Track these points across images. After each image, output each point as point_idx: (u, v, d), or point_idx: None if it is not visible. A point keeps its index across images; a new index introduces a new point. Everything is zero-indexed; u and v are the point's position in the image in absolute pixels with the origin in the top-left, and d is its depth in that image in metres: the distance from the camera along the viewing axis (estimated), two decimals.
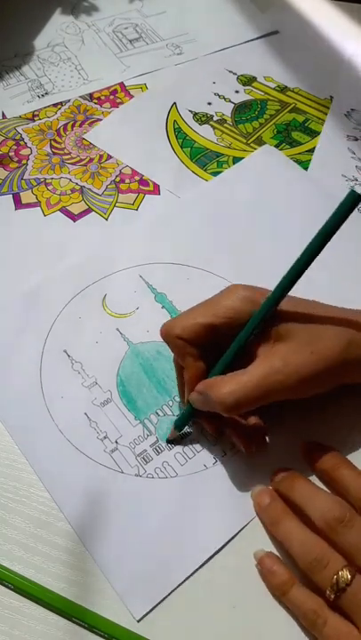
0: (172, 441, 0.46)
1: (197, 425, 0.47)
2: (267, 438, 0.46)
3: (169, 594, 0.40)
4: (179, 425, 0.46)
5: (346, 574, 0.36)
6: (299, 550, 0.38)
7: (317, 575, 0.37)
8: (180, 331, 0.43)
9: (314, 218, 0.58)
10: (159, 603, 0.40)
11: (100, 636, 0.39)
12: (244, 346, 0.42)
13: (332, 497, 0.40)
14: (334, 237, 0.38)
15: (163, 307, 0.53)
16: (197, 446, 0.46)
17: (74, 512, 0.43)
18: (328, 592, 0.36)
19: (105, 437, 0.46)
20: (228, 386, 0.40)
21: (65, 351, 0.50)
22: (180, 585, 0.41)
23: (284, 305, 0.41)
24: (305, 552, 0.38)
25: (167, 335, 0.44)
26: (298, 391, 0.41)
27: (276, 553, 0.41)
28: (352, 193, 0.37)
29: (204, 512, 0.43)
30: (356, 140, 0.67)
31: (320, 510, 0.39)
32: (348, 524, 0.38)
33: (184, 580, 0.41)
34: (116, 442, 0.46)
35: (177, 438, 0.46)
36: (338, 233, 0.38)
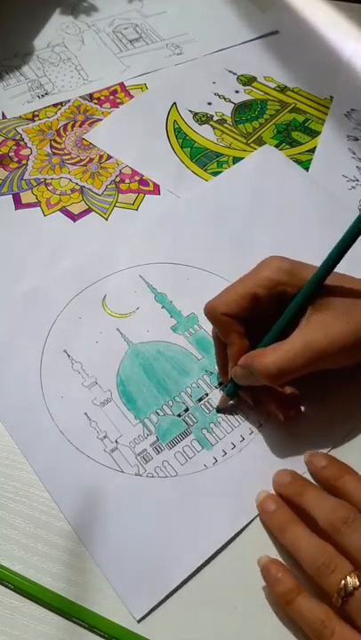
0: (221, 409, 0.47)
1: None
2: (302, 408, 0.47)
3: (169, 594, 0.40)
4: (231, 393, 0.47)
5: (354, 579, 0.36)
6: (306, 555, 0.38)
7: (325, 580, 0.37)
8: (225, 308, 0.44)
9: (314, 217, 0.59)
10: (159, 603, 0.40)
11: (100, 635, 0.39)
12: (293, 317, 0.43)
13: (337, 500, 0.40)
14: None
15: (163, 307, 0.53)
16: (197, 445, 0.46)
17: (74, 512, 0.43)
18: (335, 597, 0.36)
19: (105, 437, 0.46)
20: (272, 356, 0.42)
21: (65, 351, 0.50)
22: (180, 585, 0.40)
23: (333, 277, 0.43)
24: (312, 557, 0.38)
25: (212, 314, 0.45)
26: (338, 360, 0.43)
27: (277, 553, 0.41)
28: None
29: (205, 512, 0.43)
30: (357, 140, 0.67)
31: (325, 512, 0.39)
32: (353, 526, 0.37)
33: (184, 581, 0.41)
34: (116, 441, 0.46)
35: (228, 407, 0.47)
36: None
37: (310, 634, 0.36)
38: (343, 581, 0.36)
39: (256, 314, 0.44)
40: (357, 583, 0.36)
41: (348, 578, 0.36)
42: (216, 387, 0.49)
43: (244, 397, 0.47)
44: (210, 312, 0.45)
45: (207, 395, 0.48)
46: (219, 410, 0.47)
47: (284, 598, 0.38)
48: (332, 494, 0.41)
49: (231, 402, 0.48)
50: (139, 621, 0.39)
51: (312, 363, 0.41)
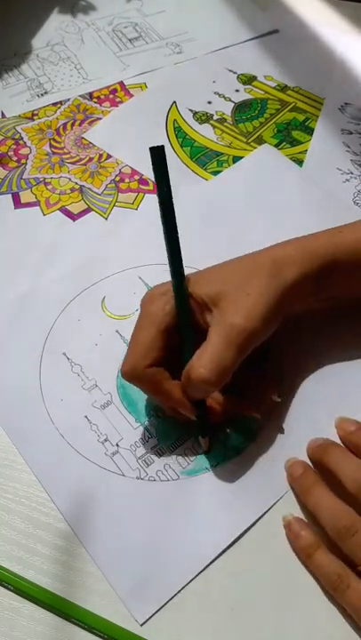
0: (208, 450, 0.46)
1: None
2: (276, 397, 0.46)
3: (171, 597, 0.40)
4: (203, 432, 0.45)
5: None
6: (328, 517, 0.39)
7: (346, 542, 0.38)
8: (145, 360, 0.42)
9: (313, 217, 0.59)
10: (162, 607, 0.40)
11: (100, 637, 0.39)
12: (190, 332, 0.43)
13: (345, 506, 0.40)
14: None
15: None
16: (199, 448, 0.46)
17: (74, 514, 0.43)
18: (358, 560, 0.37)
19: (106, 440, 0.46)
20: (201, 361, 0.41)
21: (64, 353, 0.50)
22: (182, 588, 0.41)
23: (195, 281, 0.44)
24: (334, 519, 0.39)
25: (134, 373, 0.42)
26: (263, 332, 0.42)
27: (279, 556, 0.41)
28: (152, 149, 0.40)
29: (206, 515, 0.43)
30: (351, 133, 0.67)
31: (352, 475, 0.40)
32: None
33: (187, 584, 0.41)
34: (117, 445, 0.46)
35: (211, 444, 0.46)
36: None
37: (327, 586, 0.39)
38: None
39: (170, 343, 0.43)
40: None
41: None
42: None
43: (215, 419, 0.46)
44: (131, 373, 0.42)
45: None
46: (206, 452, 0.46)
47: (305, 552, 0.40)
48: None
49: (207, 438, 0.46)
50: (142, 625, 0.39)
51: (242, 347, 0.41)
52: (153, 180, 0.62)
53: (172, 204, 0.41)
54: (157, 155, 0.40)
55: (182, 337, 0.43)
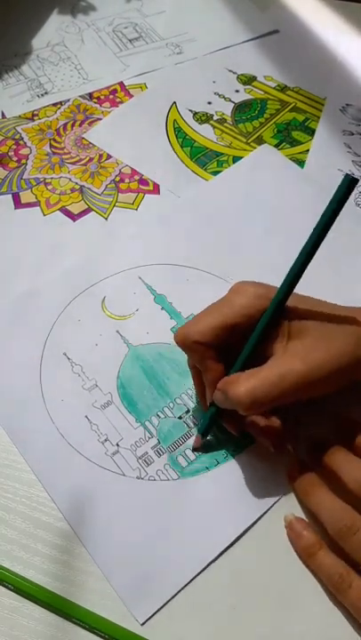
0: (197, 448, 0.46)
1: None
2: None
3: (172, 597, 0.40)
4: (203, 431, 0.45)
5: None
6: (329, 517, 0.39)
7: (347, 541, 0.38)
8: (198, 336, 0.42)
9: (313, 217, 0.59)
10: (162, 606, 0.40)
11: (100, 636, 0.39)
12: (259, 343, 0.42)
13: (344, 505, 0.40)
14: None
15: (162, 308, 0.53)
16: (200, 448, 0.46)
17: (75, 514, 0.43)
18: (360, 558, 0.37)
19: (106, 440, 0.46)
20: (246, 383, 0.40)
21: (65, 354, 0.50)
22: (183, 588, 0.41)
23: (293, 302, 0.42)
24: (335, 519, 0.39)
25: (184, 342, 0.43)
26: (315, 389, 0.41)
27: (279, 556, 0.41)
28: (347, 177, 0.37)
29: (207, 514, 0.43)
30: (352, 134, 0.67)
31: (353, 474, 0.40)
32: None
33: (187, 583, 0.41)
34: (118, 444, 0.46)
35: (202, 446, 0.46)
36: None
37: (329, 585, 0.39)
38: None
39: (232, 339, 0.43)
40: None
41: None
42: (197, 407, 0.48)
43: (228, 427, 0.45)
44: (182, 340, 0.43)
45: None
46: (195, 449, 0.46)
47: (307, 552, 0.40)
48: None
49: (208, 438, 0.46)
50: (142, 624, 0.39)
51: (289, 393, 0.40)
52: (154, 181, 0.62)
53: (328, 230, 0.40)
54: (351, 186, 0.38)
55: (246, 344, 0.42)
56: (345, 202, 0.38)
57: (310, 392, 0.41)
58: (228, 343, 0.43)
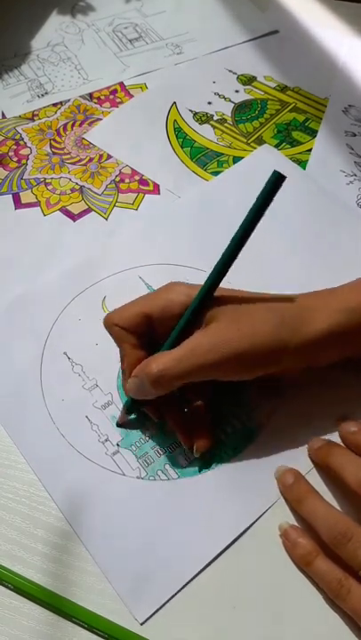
0: (122, 425, 0.47)
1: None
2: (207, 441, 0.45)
3: (172, 596, 0.40)
4: (128, 408, 0.46)
5: None
6: (323, 525, 0.39)
7: (342, 548, 0.38)
8: (117, 319, 0.45)
9: (312, 217, 0.59)
10: (162, 605, 0.40)
11: (100, 636, 0.39)
12: (183, 330, 0.42)
13: (337, 514, 0.40)
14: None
15: None
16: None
17: (75, 514, 0.43)
18: (356, 565, 0.37)
19: (106, 440, 0.46)
20: (157, 361, 0.41)
21: (65, 353, 0.50)
22: (183, 587, 0.41)
23: (218, 294, 0.43)
24: (329, 526, 0.39)
25: (106, 324, 0.46)
26: (225, 369, 0.41)
27: (278, 554, 0.41)
28: (275, 173, 0.39)
29: (208, 513, 0.43)
30: (355, 135, 0.67)
31: (355, 474, 0.40)
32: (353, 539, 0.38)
33: (187, 582, 0.41)
34: (118, 444, 0.46)
35: (127, 422, 0.47)
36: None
37: (329, 592, 0.39)
38: None
39: (154, 331, 0.44)
40: None
41: None
42: None
43: (147, 412, 0.46)
44: (105, 322, 0.46)
45: None
46: (118, 424, 0.47)
47: (304, 560, 0.40)
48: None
49: (132, 416, 0.47)
50: (142, 624, 0.39)
51: (196, 369, 0.40)
52: (154, 181, 0.62)
53: (255, 225, 0.41)
54: (278, 182, 0.39)
55: (171, 334, 0.43)
56: (272, 199, 0.39)
57: (220, 373, 0.42)
58: (150, 337, 0.44)
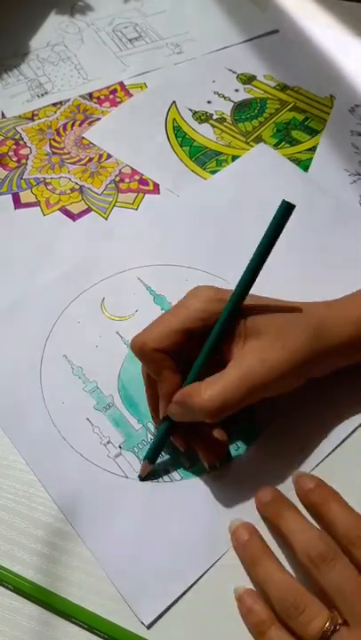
0: (145, 477, 0.45)
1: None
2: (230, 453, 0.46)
3: (177, 599, 0.40)
4: (151, 456, 0.44)
5: (322, 622, 0.35)
6: (276, 594, 0.38)
7: (293, 621, 0.36)
8: (156, 343, 0.41)
9: (311, 215, 0.59)
10: (168, 609, 0.40)
11: (101, 637, 0.39)
12: (216, 347, 0.42)
13: (318, 532, 0.39)
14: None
15: (162, 309, 0.53)
16: None
17: (76, 516, 0.43)
18: (307, 637, 0.36)
19: (108, 442, 0.46)
20: (209, 391, 0.40)
21: (65, 356, 0.50)
22: (188, 589, 0.41)
23: (248, 302, 0.42)
24: (281, 597, 0.37)
25: (142, 350, 0.42)
26: (277, 387, 0.42)
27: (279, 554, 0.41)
28: (283, 203, 0.40)
29: (211, 514, 0.43)
30: (360, 135, 0.67)
31: (304, 546, 0.38)
32: (331, 564, 0.37)
33: (192, 584, 0.41)
34: (120, 447, 0.46)
35: (150, 472, 0.45)
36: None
37: None
38: (313, 624, 0.35)
39: (189, 346, 0.42)
40: (327, 626, 0.35)
41: (315, 621, 0.36)
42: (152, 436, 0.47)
43: (175, 443, 0.45)
44: (139, 348, 0.42)
45: None
46: (141, 478, 0.45)
47: (257, 629, 0.38)
48: (317, 519, 0.41)
49: (153, 465, 0.45)
50: (148, 628, 0.39)
51: (252, 393, 0.40)
52: (154, 180, 0.62)
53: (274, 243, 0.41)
54: (287, 211, 0.40)
55: (203, 348, 0.42)
56: (283, 228, 0.40)
57: (271, 391, 0.42)
58: (185, 352, 0.42)
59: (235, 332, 0.42)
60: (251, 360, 0.40)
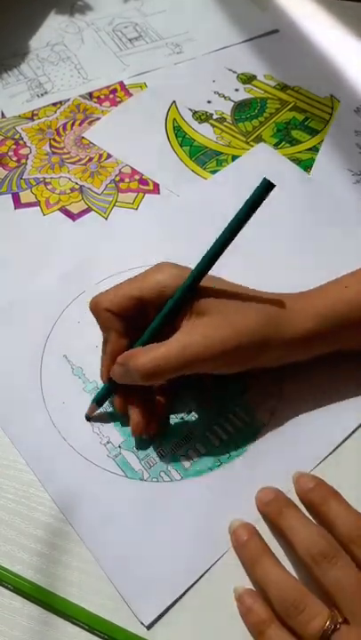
0: (90, 418, 0.47)
1: (200, 427, 0.47)
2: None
3: (177, 599, 0.40)
4: (98, 400, 0.46)
5: (322, 621, 0.35)
6: (275, 593, 0.38)
7: (293, 620, 0.36)
8: (108, 304, 0.44)
9: (310, 214, 0.59)
10: (167, 609, 0.40)
11: (101, 637, 0.39)
12: (167, 318, 0.43)
13: (318, 530, 0.39)
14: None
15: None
16: (202, 448, 0.46)
17: (76, 516, 0.43)
18: (306, 636, 0.36)
19: (108, 442, 0.46)
20: (147, 355, 0.41)
21: (65, 356, 0.50)
22: (188, 589, 0.40)
23: (205, 283, 0.43)
24: (281, 596, 0.37)
25: (94, 308, 0.44)
26: (216, 364, 0.42)
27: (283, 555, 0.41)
28: (265, 181, 0.40)
29: (211, 515, 0.43)
30: None
31: (305, 543, 0.38)
32: (332, 561, 0.37)
33: (192, 584, 0.41)
34: (120, 446, 0.46)
35: (96, 415, 0.47)
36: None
37: None
38: (312, 624, 0.35)
39: (144, 316, 0.44)
40: (327, 625, 0.35)
41: (315, 620, 0.35)
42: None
43: (114, 402, 0.47)
44: (93, 306, 0.45)
45: None
46: (88, 418, 0.47)
47: (256, 629, 0.38)
48: (317, 518, 0.41)
49: (99, 410, 0.47)
50: (148, 628, 0.39)
51: (187, 365, 0.41)
52: (154, 180, 0.62)
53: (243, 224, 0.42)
54: (267, 189, 0.40)
55: (156, 318, 0.43)
56: (259, 204, 0.41)
57: (210, 367, 0.43)
58: (139, 319, 0.44)
59: (188, 308, 0.43)
60: (194, 334, 0.42)
